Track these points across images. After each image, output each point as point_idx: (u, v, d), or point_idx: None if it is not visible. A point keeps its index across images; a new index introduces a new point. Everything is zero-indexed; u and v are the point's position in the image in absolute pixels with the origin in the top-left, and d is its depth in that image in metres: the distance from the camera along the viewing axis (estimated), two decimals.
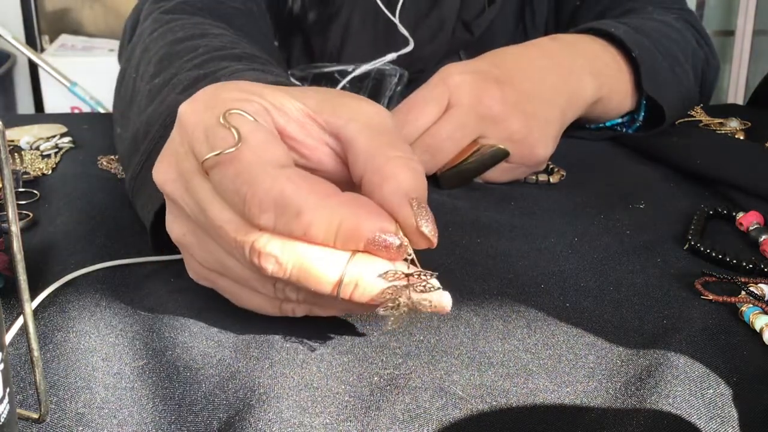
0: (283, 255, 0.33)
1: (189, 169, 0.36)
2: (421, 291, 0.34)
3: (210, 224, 0.35)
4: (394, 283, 0.34)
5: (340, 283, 0.33)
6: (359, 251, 0.34)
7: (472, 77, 0.57)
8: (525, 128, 0.57)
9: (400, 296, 0.34)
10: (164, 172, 0.37)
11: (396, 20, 0.80)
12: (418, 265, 0.34)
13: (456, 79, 0.57)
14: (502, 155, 0.58)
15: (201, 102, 0.37)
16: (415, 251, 0.35)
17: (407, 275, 0.34)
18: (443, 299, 0.35)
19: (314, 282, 0.33)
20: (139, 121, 0.49)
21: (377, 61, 0.74)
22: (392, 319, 0.34)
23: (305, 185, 0.33)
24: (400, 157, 0.35)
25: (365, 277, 0.33)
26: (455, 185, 0.59)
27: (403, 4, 0.78)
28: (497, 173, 0.60)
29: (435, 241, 0.35)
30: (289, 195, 0.32)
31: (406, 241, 0.34)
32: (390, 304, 0.34)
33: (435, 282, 0.34)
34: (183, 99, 0.38)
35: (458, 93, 0.57)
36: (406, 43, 0.78)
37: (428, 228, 0.34)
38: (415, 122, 0.57)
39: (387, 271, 0.34)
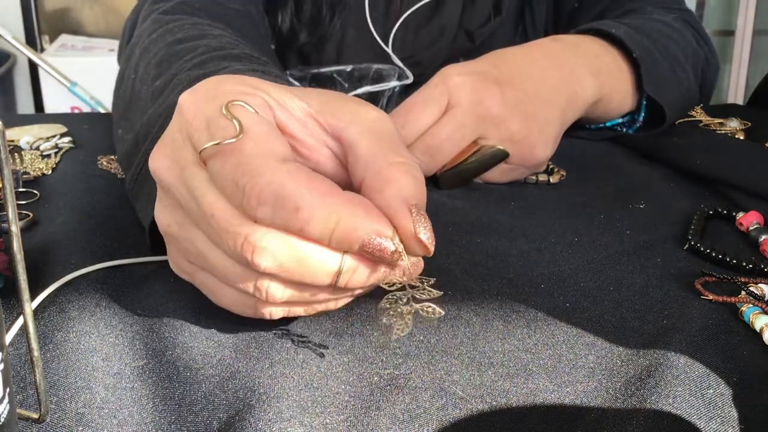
0: (279, 248, 0.32)
1: (185, 157, 0.36)
2: (421, 298, 0.34)
3: (202, 213, 0.35)
4: (396, 293, 0.34)
5: (338, 273, 0.33)
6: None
7: (472, 78, 0.57)
8: (525, 129, 0.57)
9: (402, 303, 0.34)
10: (160, 160, 0.37)
11: (389, 50, 0.80)
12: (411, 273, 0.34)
13: (456, 80, 0.57)
14: (501, 156, 0.58)
15: (203, 92, 0.37)
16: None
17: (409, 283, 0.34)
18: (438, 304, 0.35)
19: (313, 273, 0.33)
20: (140, 123, 0.49)
21: (380, 85, 0.74)
22: (396, 328, 0.34)
23: (305, 181, 0.33)
24: (402, 162, 0.35)
25: (363, 264, 0.33)
26: (455, 185, 0.59)
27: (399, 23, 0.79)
28: (497, 174, 0.60)
29: (431, 249, 0.34)
30: (289, 189, 0.32)
31: (401, 248, 0.33)
32: (392, 312, 0.34)
33: (434, 290, 0.34)
34: None
35: (458, 94, 0.57)
36: (407, 52, 0.78)
37: (426, 235, 0.34)
38: (415, 123, 0.57)
39: (388, 278, 0.34)
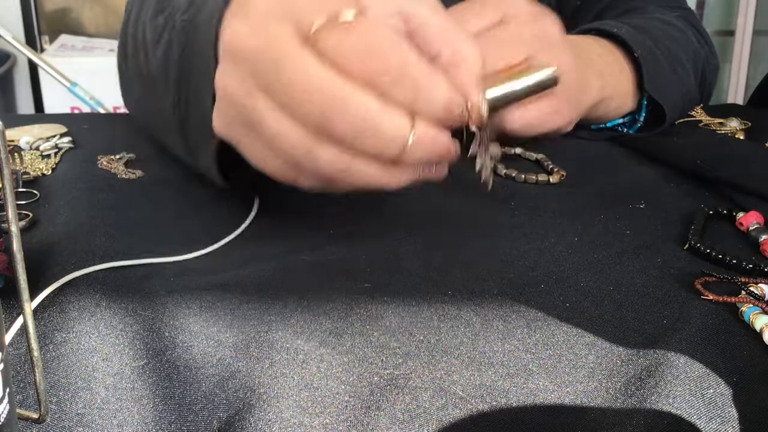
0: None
1: (283, 34, 0.36)
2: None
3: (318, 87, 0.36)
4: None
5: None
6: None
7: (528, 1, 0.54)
8: (573, 68, 0.54)
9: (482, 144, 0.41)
10: (240, 27, 0.37)
11: None
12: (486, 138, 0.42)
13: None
14: (550, 81, 0.49)
15: None
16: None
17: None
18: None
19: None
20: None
21: None
22: (484, 170, 0.42)
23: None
24: (472, 39, 0.39)
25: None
26: (500, 108, 0.49)
27: None
28: (532, 114, 0.51)
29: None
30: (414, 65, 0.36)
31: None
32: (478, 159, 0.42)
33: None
34: None
35: (515, 7, 0.53)
36: None
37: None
38: (467, 24, 0.52)
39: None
